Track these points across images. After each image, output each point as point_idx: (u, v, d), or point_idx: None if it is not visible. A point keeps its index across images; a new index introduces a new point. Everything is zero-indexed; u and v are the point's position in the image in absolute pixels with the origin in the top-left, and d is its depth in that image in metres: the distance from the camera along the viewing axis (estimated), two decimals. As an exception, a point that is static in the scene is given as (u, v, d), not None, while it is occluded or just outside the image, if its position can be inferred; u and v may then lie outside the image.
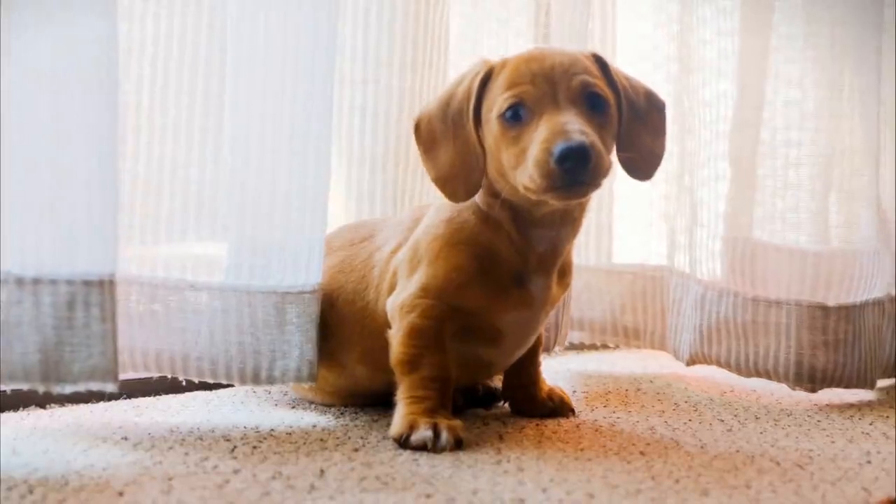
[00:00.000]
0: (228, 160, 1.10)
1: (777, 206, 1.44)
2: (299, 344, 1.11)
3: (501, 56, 1.07)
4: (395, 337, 1.07)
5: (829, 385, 1.36)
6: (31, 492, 0.83)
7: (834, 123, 1.43)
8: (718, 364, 1.42)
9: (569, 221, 1.08)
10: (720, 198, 1.45)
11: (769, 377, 1.39)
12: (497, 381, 1.26)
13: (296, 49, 1.09)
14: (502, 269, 1.07)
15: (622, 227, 1.62)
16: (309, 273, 1.11)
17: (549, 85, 1.01)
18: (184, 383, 1.18)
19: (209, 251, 1.13)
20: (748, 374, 1.40)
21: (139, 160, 1.10)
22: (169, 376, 1.12)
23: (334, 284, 1.15)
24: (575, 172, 0.95)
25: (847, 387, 1.37)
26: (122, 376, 1.19)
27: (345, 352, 1.15)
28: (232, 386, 1.27)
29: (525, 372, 1.20)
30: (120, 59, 1.08)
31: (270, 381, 1.11)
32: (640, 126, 1.08)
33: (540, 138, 0.97)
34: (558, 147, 0.95)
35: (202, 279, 1.10)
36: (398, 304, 1.07)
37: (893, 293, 1.45)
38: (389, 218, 1.25)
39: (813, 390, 1.37)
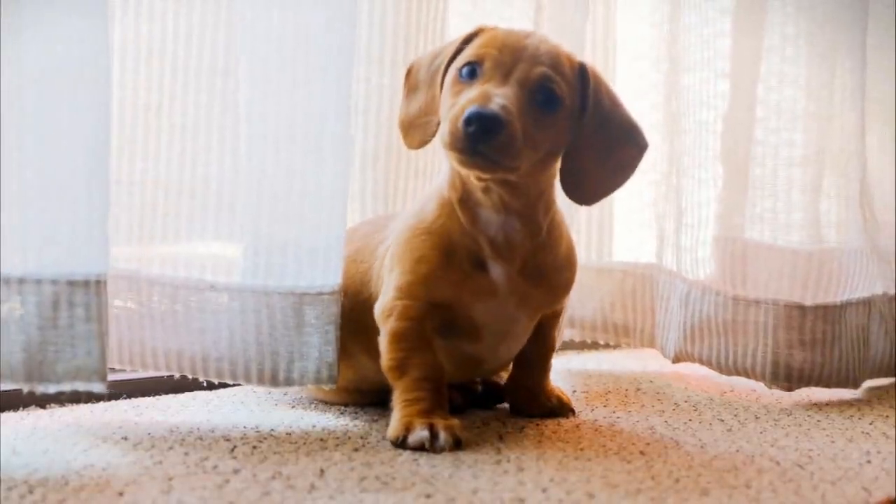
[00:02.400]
0: (245, 158, 1.10)
1: (757, 207, 1.44)
2: (318, 346, 1.10)
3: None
4: (382, 343, 1.07)
5: (807, 384, 1.36)
6: (31, 492, 0.83)
7: (822, 123, 1.43)
8: (701, 362, 1.42)
9: (513, 211, 1.06)
10: (706, 197, 1.45)
11: (748, 376, 1.39)
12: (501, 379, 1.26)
13: (311, 47, 1.08)
14: (461, 254, 1.07)
15: (618, 226, 1.62)
16: (327, 274, 1.10)
17: (511, 60, 1.01)
18: (204, 383, 1.17)
19: (228, 251, 1.12)
20: (728, 373, 1.40)
21: (160, 160, 1.10)
22: (190, 376, 1.11)
23: (347, 274, 1.15)
24: (476, 139, 0.96)
25: (827, 386, 1.37)
26: (128, 376, 1.20)
27: (352, 341, 1.14)
28: (234, 386, 1.26)
29: (533, 373, 1.20)
30: (142, 60, 1.09)
31: (289, 382, 1.11)
32: (602, 152, 1.07)
33: (465, 98, 0.99)
34: (469, 109, 0.96)
35: (222, 279, 1.10)
36: (381, 308, 1.08)
37: (892, 293, 1.45)
38: (403, 212, 1.25)
39: (789, 389, 1.37)
